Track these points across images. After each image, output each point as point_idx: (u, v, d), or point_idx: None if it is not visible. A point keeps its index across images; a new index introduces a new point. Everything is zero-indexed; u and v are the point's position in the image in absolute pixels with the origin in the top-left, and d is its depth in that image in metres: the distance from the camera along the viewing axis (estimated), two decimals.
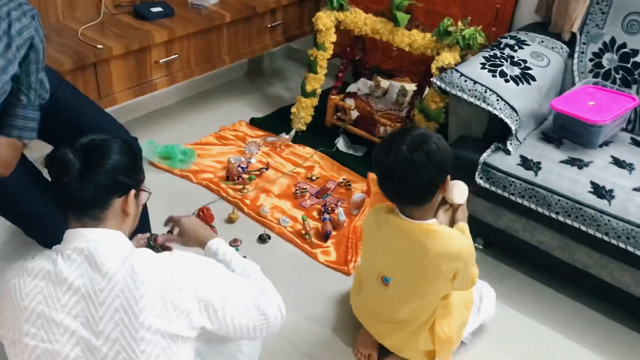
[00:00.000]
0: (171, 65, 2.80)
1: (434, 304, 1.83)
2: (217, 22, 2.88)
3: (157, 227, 1.80)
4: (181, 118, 3.32)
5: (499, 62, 2.40)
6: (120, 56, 2.54)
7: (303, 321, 2.15)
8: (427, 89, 2.88)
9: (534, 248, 2.29)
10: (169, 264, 1.34)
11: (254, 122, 3.30)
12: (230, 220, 2.59)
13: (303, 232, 2.51)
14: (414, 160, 1.60)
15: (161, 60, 2.72)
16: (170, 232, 1.76)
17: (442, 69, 2.61)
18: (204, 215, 2.54)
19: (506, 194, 2.22)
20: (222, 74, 3.63)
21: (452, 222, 1.85)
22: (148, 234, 1.74)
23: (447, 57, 2.62)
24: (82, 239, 1.31)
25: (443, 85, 2.35)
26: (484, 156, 2.27)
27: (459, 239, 1.74)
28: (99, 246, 1.30)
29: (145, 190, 1.49)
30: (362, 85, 3.19)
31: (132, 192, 1.40)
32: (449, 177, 1.70)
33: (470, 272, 1.78)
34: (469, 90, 2.28)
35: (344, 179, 2.88)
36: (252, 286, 1.49)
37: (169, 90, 3.33)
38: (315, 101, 3.20)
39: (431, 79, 2.48)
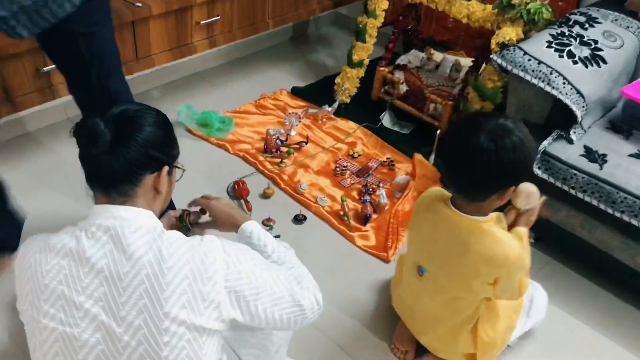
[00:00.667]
0: (212, 27, 2.66)
1: (472, 304, 1.67)
2: None
3: (190, 198, 1.69)
4: (220, 83, 3.20)
5: (567, 41, 2.18)
6: (159, 15, 2.41)
7: (336, 310, 2.03)
8: (483, 65, 2.67)
9: (591, 247, 2.10)
10: (199, 250, 1.23)
11: (296, 92, 3.15)
12: (265, 196, 2.47)
13: (341, 213, 2.38)
14: (485, 150, 1.39)
15: (202, 22, 2.58)
16: (201, 210, 1.64)
17: (502, 45, 2.40)
18: (239, 188, 2.43)
19: (566, 187, 2.03)
20: (265, 39, 3.48)
21: (512, 226, 1.67)
22: (180, 211, 1.63)
23: (509, 32, 2.40)
24: (109, 215, 1.21)
25: (504, 63, 2.15)
26: (544, 144, 2.08)
27: (509, 244, 1.55)
28: (125, 225, 1.20)
29: (178, 167, 1.37)
30: (413, 58, 2.99)
31: (165, 168, 1.29)
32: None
33: (514, 283, 1.60)
34: (533, 70, 2.07)
35: (387, 158, 2.72)
36: (287, 275, 1.36)
37: (209, 52, 3.21)
38: (361, 72, 3.03)
39: (490, 55, 2.28)
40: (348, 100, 3.05)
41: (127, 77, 2.60)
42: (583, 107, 2.05)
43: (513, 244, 1.56)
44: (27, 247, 1.26)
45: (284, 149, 2.69)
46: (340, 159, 2.70)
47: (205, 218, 1.62)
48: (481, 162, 1.41)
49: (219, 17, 2.64)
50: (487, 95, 2.52)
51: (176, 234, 1.27)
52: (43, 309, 1.19)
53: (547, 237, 2.30)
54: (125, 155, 1.20)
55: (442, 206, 1.61)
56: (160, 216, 1.38)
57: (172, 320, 1.17)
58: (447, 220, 1.59)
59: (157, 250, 1.19)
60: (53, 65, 2.18)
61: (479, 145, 1.39)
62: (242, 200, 2.41)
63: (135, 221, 1.22)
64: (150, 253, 1.18)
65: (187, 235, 1.37)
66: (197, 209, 1.61)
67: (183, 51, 2.59)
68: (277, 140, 2.69)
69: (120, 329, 1.18)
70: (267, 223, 2.31)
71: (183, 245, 1.23)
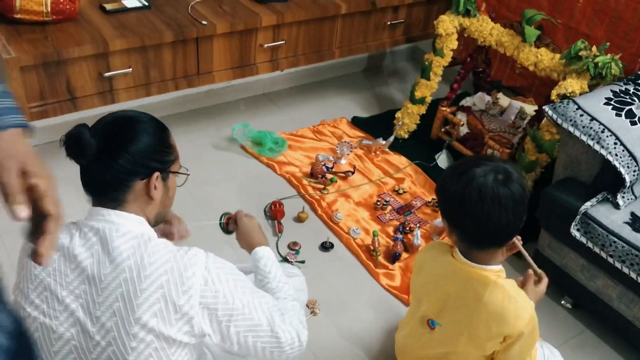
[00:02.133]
0: (276, 51, 2.72)
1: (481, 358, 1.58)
2: (331, 13, 2.75)
3: (228, 209, 1.76)
4: (285, 105, 3.26)
5: (629, 100, 2.04)
6: (223, 35, 2.51)
7: (343, 342, 1.99)
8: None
9: (628, 323, 1.93)
10: (180, 262, 1.25)
11: (356, 122, 3.15)
12: (299, 219, 2.48)
13: (371, 248, 2.33)
14: (502, 196, 1.36)
15: (266, 45, 2.65)
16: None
17: (563, 97, 2.28)
18: (275, 209, 2.45)
19: (604, 255, 1.88)
20: (338, 67, 3.52)
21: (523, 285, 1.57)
22: (186, 230, 1.67)
23: (572, 85, 2.28)
24: (101, 218, 1.26)
25: (555, 116, 2.04)
26: (587, 205, 1.94)
27: (521, 304, 1.45)
28: (114, 229, 1.24)
29: (178, 173, 1.40)
30: (478, 100, 2.91)
31: (155, 174, 1.31)
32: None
33: (523, 352, 1.50)
34: (583, 127, 1.95)
35: (433, 199, 2.64)
36: (271, 304, 1.35)
37: (280, 75, 3.29)
38: (422, 109, 2.98)
39: (543, 107, 2.17)
40: (406, 136, 3.02)
41: (188, 91, 2.74)
42: (635, 172, 1.91)
43: (525, 304, 1.47)
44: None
45: (329, 176, 2.69)
46: (384, 194, 2.66)
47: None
48: (502, 207, 1.36)
49: (284, 42, 2.70)
50: (544, 148, 2.40)
51: (163, 242, 1.29)
52: (30, 297, 1.25)
53: (584, 305, 2.13)
54: (112, 164, 1.23)
55: (451, 257, 1.55)
56: (159, 222, 1.42)
57: (141, 327, 1.20)
58: (460, 273, 1.52)
59: (139, 257, 1.22)
60: (116, 71, 2.34)
61: (497, 192, 1.36)
62: (275, 221, 2.43)
63: (124, 226, 1.25)
64: (132, 259, 1.21)
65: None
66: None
67: (245, 71, 2.67)
68: (324, 167, 2.70)
69: (94, 328, 1.22)
70: (292, 247, 2.31)
71: (165, 255, 1.25)
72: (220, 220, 1.69)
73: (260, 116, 3.12)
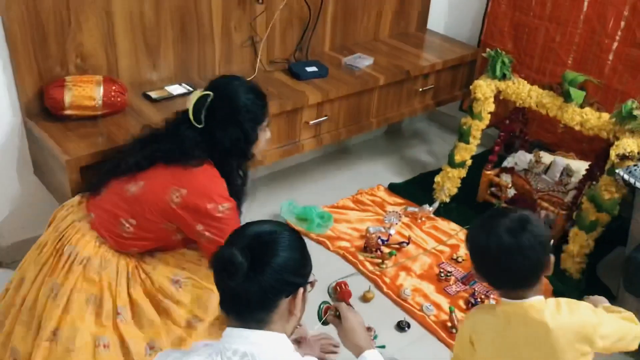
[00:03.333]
0: (320, 127, 2.69)
1: None
2: (370, 85, 2.75)
3: None
4: (317, 176, 3.21)
5: None
6: (273, 116, 2.46)
7: None
8: (599, 173, 2.57)
9: None
10: None
11: (393, 188, 3.12)
12: (365, 299, 2.40)
13: (449, 324, 2.27)
14: (517, 247, 1.43)
15: (311, 122, 2.62)
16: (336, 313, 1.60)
17: (622, 157, 2.31)
18: (342, 291, 2.37)
19: None
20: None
21: None
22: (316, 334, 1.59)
23: (630, 144, 2.31)
24: (245, 340, 1.19)
25: (632, 180, 2.06)
26: None
27: (574, 301, 1.50)
28: (262, 352, 1.18)
29: (313, 282, 1.34)
30: (519, 160, 2.92)
31: (301, 290, 1.25)
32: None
33: (615, 324, 1.47)
34: None
35: None
36: None
37: None
38: (463, 172, 2.98)
39: (615, 170, 2.18)
40: (448, 200, 2.99)
41: None
42: None
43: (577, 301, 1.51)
44: None
45: (386, 250, 2.64)
46: (443, 263, 2.61)
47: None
48: (521, 256, 1.43)
49: (326, 117, 2.67)
50: (603, 207, 2.41)
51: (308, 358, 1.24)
52: None
53: None
54: (260, 283, 1.17)
55: (501, 307, 1.52)
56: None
57: None
58: (516, 314, 1.49)
59: None
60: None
61: (509, 243, 1.43)
62: (343, 304, 2.34)
63: (271, 347, 1.20)
64: None
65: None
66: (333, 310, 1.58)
67: (291, 149, 2.63)
68: (379, 240, 2.64)
69: None
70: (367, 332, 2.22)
71: None
72: (319, 308, 1.60)
73: (296, 190, 3.06)
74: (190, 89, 2.47)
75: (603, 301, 1.68)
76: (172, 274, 1.89)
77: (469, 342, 1.63)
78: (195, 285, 1.87)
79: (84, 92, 2.15)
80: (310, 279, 1.33)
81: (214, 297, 1.82)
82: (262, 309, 1.21)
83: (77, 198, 1.94)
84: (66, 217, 1.88)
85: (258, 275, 1.17)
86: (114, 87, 2.21)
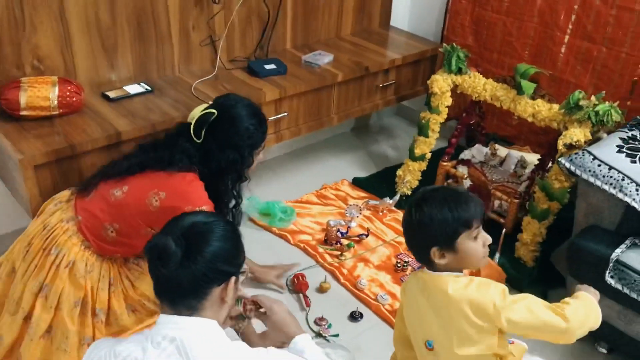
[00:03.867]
0: (279, 123, 2.75)
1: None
2: (329, 82, 2.81)
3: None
4: (283, 172, 3.27)
5: (639, 146, 2.13)
6: None
7: None
8: (550, 163, 2.64)
9: None
10: None
11: (357, 182, 3.18)
12: (321, 290, 2.45)
13: None
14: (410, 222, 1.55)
15: (270, 118, 2.67)
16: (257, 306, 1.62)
17: (569, 146, 2.37)
18: (299, 282, 2.43)
19: None
20: (327, 129, 3.55)
21: None
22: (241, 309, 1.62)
23: (576, 134, 2.37)
24: (174, 326, 1.23)
25: (573, 168, 2.12)
26: (617, 252, 2.00)
27: (483, 280, 1.52)
28: (191, 336, 1.22)
29: (244, 272, 1.38)
30: (476, 152, 2.99)
31: (233, 279, 1.30)
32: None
33: (530, 307, 1.49)
34: (603, 176, 2.03)
35: None
36: None
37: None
38: (423, 165, 3.04)
39: (558, 158, 2.25)
40: (409, 193, 3.05)
41: None
42: None
43: (486, 280, 1.53)
44: (92, 352, 1.28)
45: (345, 242, 2.69)
46: (401, 254, 2.67)
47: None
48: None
49: (286, 114, 2.73)
50: (554, 196, 2.47)
51: (241, 345, 1.27)
52: None
53: (622, 350, 2.17)
54: (193, 271, 1.22)
55: (418, 277, 1.60)
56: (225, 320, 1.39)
57: None
58: (424, 285, 1.57)
59: None
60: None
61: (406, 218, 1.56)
62: (300, 295, 2.40)
63: (201, 331, 1.23)
64: None
65: (239, 324, 1.46)
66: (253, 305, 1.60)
67: None
68: (338, 233, 2.70)
69: None
70: (319, 322, 2.28)
71: (250, 356, 1.23)
72: (237, 305, 1.56)
73: (261, 186, 3.11)
74: (149, 87, 2.52)
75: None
76: None
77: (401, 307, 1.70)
78: None
79: (39, 93, 2.19)
80: (242, 268, 1.39)
81: None
82: (194, 296, 1.25)
83: (66, 193, 1.97)
84: (54, 213, 1.91)
85: (191, 264, 1.21)
86: (69, 88, 2.25)
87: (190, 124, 1.90)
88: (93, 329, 1.86)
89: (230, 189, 1.98)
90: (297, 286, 2.42)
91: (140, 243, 1.85)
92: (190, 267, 1.21)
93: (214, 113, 1.88)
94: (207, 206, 1.85)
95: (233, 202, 2.02)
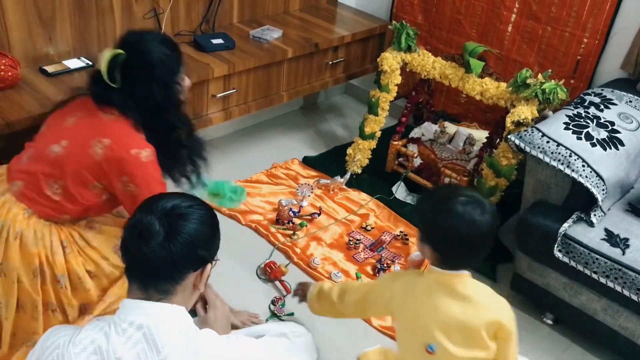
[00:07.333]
0: (228, 100, 2.67)
1: None
2: (278, 58, 2.75)
3: None
4: (232, 151, 3.20)
5: (584, 123, 2.19)
6: None
7: None
8: (497, 141, 2.68)
9: (614, 333, 2.05)
10: (235, 350, 1.22)
11: (307, 161, 3.15)
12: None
13: None
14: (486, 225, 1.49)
15: (218, 95, 2.60)
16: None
17: (517, 123, 2.42)
18: (273, 271, 2.37)
19: (588, 272, 2.00)
20: (276, 107, 3.50)
21: None
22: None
23: (524, 111, 2.42)
24: (142, 312, 1.18)
25: (522, 145, 2.15)
26: (565, 227, 2.06)
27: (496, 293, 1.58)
28: (160, 324, 1.17)
29: (217, 260, 1.34)
30: (425, 130, 3.01)
31: (209, 266, 1.28)
32: None
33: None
34: (552, 153, 2.07)
35: (401, 232, 2.69)
36: None
37: None
38: (373, 144, 3.04)
39: (508, 136, 2.28)
40: (359, 171, 3.05)
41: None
42: (603, 190, 2.04)
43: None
44: (48, 339, 1.21)
45: (297, 221, 2.66)
46: (353, 232, 2.67)
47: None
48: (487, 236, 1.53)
49: (234, 90, 2.66)
50: (501, 172, 2.52)
51: (209, 332, 1.24)
52: None
53: (567, 320, 2.24)
54: (172, 253, 1.17)
55: (424, 277, 1.60)
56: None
57: None
58: (433, 285, 1.57)
59: (192, 351, 1.16)
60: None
61: (479, 221, 1.49)
62: (277, 282, 2.36)
63: (169, 319, 1.19)
64: (187, 354, 1.15)
65: None
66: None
67: (199, 123, 2.58)
68: (290, 212, 2.67)
69: None
70: (276, 301, 2.26)
71: (219, 344, 1.21)
72: None
73: (209, 165, 3.03)
74: (90, 62, 2.40)
75: None
76: (114, 243, 1.88)
77: (387, 299, 1.67)
78: None
79: None
80: (216, 257, 1.35)
81: None
82: (169, 280, 1.20)
83: (4, 167, 1.87)
84: None
85: (171, 245, 1.17)
86: (3, 61, 2.11)
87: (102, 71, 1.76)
88: (59, 295, 1.82)
89: (172, 126, 1.88)
90: (272, 274, 2.36)
91: (90, 199, 1.82)
92: (170, 248, 1.17)
93: (122, 53, 1.75)
94: (150, 149, 1.78)
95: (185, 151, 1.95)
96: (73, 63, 2.38)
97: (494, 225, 1.51)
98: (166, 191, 1.73)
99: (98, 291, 1.87)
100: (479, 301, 1.52)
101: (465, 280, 1.54)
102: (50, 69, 2.32)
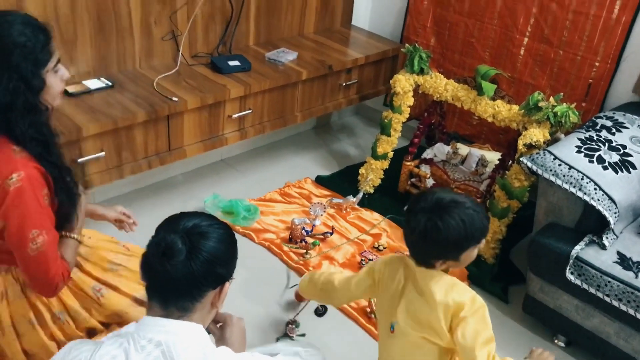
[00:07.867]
0: (244, 120, 2.72)
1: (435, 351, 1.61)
2: (293, 79, 2.80)
3: None
4: (246, 170, 3.24)
5: (596, 146, 2.21)
6: (194, 109, 2.48)
7: None
8: (510, 162, 2.70)
9: (627, 357, 2.05)
10: None
11: (320, 181, 3.18)
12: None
13: (368, 310, 2.34)
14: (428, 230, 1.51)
15: (234, 115, 2.64)
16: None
17: (529, 146, 2.44)
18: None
19: (600, 295, 2.00)
20: (290, 127, 3.54)
21: None
22: None
23: (536, 134, 2.44)
24: (161, 329, 1.20)
25: (534, 167, 2.17)
26: (577, 249, 2.06)
27: (462, 284, 1.58)
28: (178, 341, 1.19)
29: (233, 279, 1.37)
30: (438, 151, 3.03)
31: (227, 284, 1.29)
32: None
33: (478, 332, 1.52)
34: (564, 175, 2.09)
35: None
36: None
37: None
38: (385, 164, 3.07)
39: (520, 158, 2.30)
40: (372, 191, 3.08)
41: (160, 167, 2.67)
42: (615, 213, 2.06)
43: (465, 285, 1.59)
44: (69, 353, 1.23)
45: (310, 240, 2.69)
46: (365, 252, 2.69)
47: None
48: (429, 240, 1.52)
49: (250, 111, 2.70)
50: (514, 194, 2.53)
51: (226, 350, 1.26)
52: None
53: (579, 343, 2.24)
54: (194, 271, 1.20)
55: (403, 262, 1.65)
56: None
57: None
58: (408, 271, 1.62)
59: None
60: (89, 156, 2.24)
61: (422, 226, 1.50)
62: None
63: (187, 337, 1.21)
64: None
65: None
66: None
67: (215, 143, 2.64)
68: (303, 231, 2.70)
69: None
70: (291, 322, 2.27)
71: None
72: None
73: (224, 184, 3.08)
74: (110, 83, 2.45)
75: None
76: (107, 261, 1.82)
77: (371, 273, 1.74)
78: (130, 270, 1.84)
79: None
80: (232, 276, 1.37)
81: None
82: (189, 297, 1.23)
83: None
84: None
85: (192, 263, 1.19)
86: None
87: None
88: (65, 331, 1.71)
89: (30, 133, 1.46)
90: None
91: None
92: (191, 266, 1.19)
93: None
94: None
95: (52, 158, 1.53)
96: (93, 83, 2.44)
97: (433, 228, 1.47)
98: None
99: (101, 318, 1.78)
100: (431, 296, 1.54)
101: (425, 275, 1.55)
102: (71, 89, 2.37)
